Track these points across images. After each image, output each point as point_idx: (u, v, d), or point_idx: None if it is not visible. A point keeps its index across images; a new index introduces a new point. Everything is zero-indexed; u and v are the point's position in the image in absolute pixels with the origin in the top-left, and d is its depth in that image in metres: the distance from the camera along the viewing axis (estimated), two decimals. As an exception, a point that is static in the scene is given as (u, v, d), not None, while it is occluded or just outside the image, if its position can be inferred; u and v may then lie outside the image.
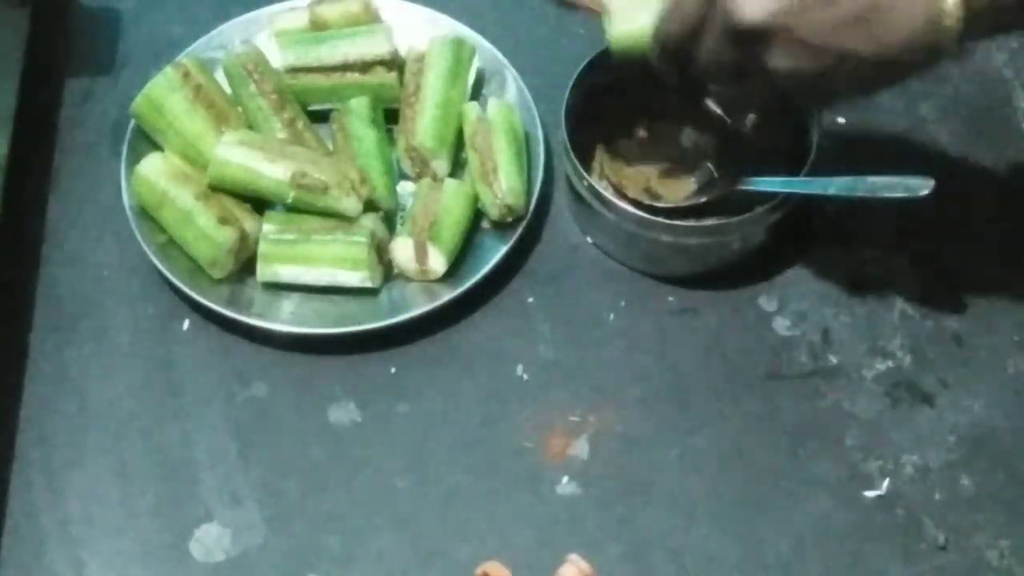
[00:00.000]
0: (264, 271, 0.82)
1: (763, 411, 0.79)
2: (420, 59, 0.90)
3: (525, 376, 0.81)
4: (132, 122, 0.87)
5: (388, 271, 0.84)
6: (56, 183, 0.90)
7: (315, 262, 0.81)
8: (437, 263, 0.82)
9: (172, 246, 0.83)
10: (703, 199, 0.83)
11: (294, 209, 0.84)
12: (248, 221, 0.83)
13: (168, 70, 0.86)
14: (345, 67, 0.89)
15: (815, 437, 0.78)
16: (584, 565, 0.71)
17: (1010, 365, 0.81)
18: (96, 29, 0.98)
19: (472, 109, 0.88)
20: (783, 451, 0.78)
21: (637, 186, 0.85)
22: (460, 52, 0.89)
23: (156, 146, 0.86)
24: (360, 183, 0.83)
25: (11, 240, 0.84)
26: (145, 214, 0.84)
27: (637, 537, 0.75)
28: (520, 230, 0.81)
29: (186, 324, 0.83)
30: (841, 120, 0.93)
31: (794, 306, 0.83)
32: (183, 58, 0.89)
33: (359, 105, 0.88)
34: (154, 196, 0.83)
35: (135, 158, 0.85)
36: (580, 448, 0.78)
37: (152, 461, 0.78)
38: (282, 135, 0.87)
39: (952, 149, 0.91)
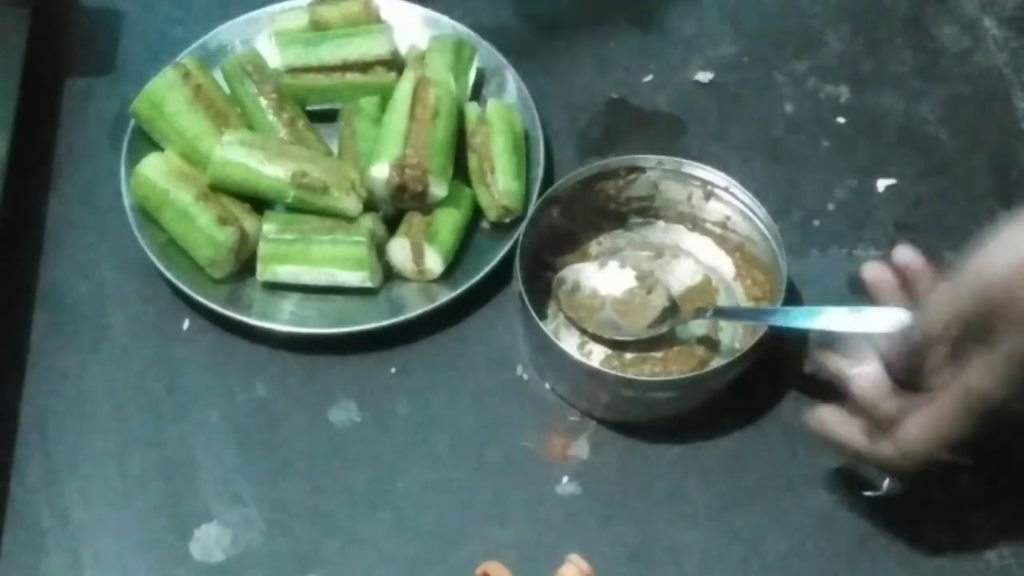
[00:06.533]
0: (264, 271, 0.82)
1: (763, 411, 0.79)
2: (421, 58, 0.89)
3: (525, 376, 0.81)
4: (132, 122, 0.87)
5: (388, 271, 0.84)
6: (56, 183, 0.90)
7: (315, 262, 0.81)
8: (434, 264, 0.82)
9: (172, 246, 0.83)
10: (665, 328, 0.79)
11: (294, 209, 0.83)
12: (248, 221, 0.83)
13: (168, 70, 0.86)
14: (345, 67, 0.89)
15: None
16: (584, 565, 0.71)
17: (1010, 365, 0.81)
18: (96, 29, 0.98)
19: (472, 109, 0.88)
20: (783, 451, 0.78)
21: (592, 314, 0.81)
22: (460, 52, 0.89)
23: (156, 146, 0.86)
24: (360, 183, 0.83)
25: (11, 240, 0.84)
26: (145, 214, 0.84)
27: (637, 537, 0.75)
28: (519, 231, 0.81)
29: (186, 324, 0.83)
30: (841, 120, 0.93)
31: (794, 306, 0.83)
32: (183, 58, 0.88)
33: (368, 104, 0.88)
34: (154, 196, 0.83)
35: (135, 158, 0.85)
36: (580, 448, 0.78)
37: (152, 461, 0.78)
38: (283, 135, 0.87)
39: (952, 149, 0.91)
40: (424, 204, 0.83)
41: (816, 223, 0.87)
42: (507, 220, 0.84)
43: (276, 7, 0.94)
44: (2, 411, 0.79)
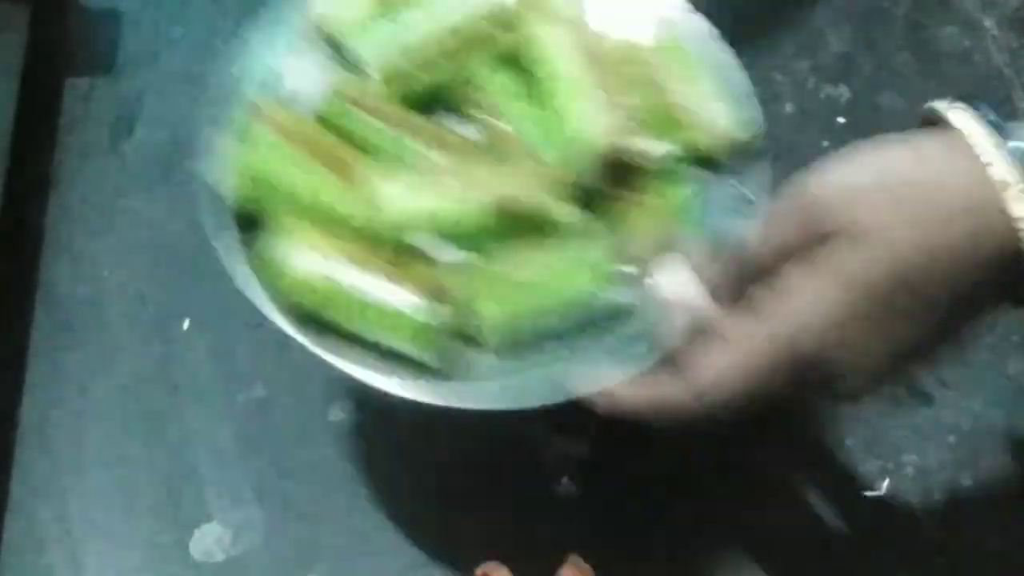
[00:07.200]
0: (497, 334, 0.63)
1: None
2: None
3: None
4: (225, 209, 0.66)
5: None
6: (56, 183, 0.90)
7: (551, 301, 0.63)
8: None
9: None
10: None
11: (489, 242, 0.65)
12: (440, 272, 0.64)
13: (255, 129, 0.66)
14: (455, 43, 0.69)
15: (815, 437, 0.78)
16: (584, 565, 0.71)
17: (1010, 365, 0.81)
18: (96, 29, 0.98)
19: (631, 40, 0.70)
20: (783, 451, 0.78)
21: None
22: None
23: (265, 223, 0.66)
24: (564, 178, 0.65)
25: (11, 240, 0.84)
26: (302, 315, 0.64)
27: (637, 537, 0.75)
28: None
29: (186, 324, 0.83)
30: (841, 120, 0.93)
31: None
32: (251, 105, 0.67)
33: (502, 79, 0.69)
34: (315, 293, 0.63)
35: (251, 243, 0.65)
36: (580, 448, 0.78)
37: (152, 461, 0.78)
38: (433, 155, 0.67)
39: (952, 149, 0.91)
40: (640, 176, 0.66)
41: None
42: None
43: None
44: (2, 411, 0.79)
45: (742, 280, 0.57)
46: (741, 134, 0.67)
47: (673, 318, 0.59)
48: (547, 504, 0.76)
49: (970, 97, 0.94)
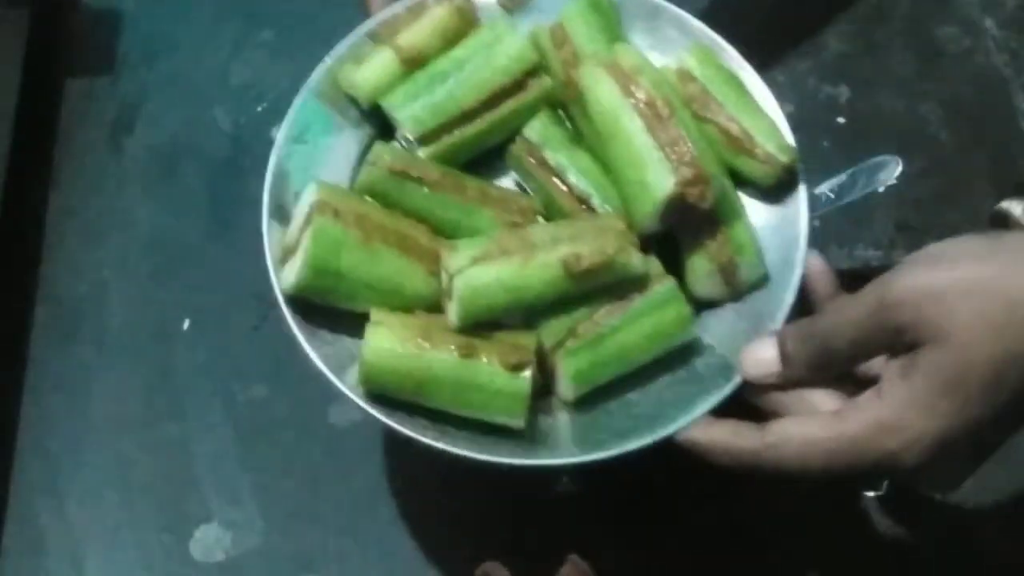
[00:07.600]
0: (580, 388, 0.64)
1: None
2: (562, 40, 0.69)
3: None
4: (286, 311, 0.65)
5: None
6: (56, 183, 0.90)
7: (633, 351, 0.64)
8: (751, 274, 0.67)
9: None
10: None
11: (567, 302, 0.64)
12: (524, 338, 0.64)
13: (316, 219, 0.63)
14: (493, 98, 0.69)
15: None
16: (584, 565, 0.71)
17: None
18: (96, 29, 0.98)
19: (668, 72, 0.69)
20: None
21: None
22: (600, 8, 0.71)
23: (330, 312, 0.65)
24: (630, 227, 0.65)
25: (11, 240, 0.84)
26: (389, 400, 0.63)
27: (637, 537, 0.75)
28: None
29: (186, 324, 0.83)
30: (841, 120, 0.93)
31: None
32: (314, 195, 0.64)
33: (546, 129, 0.69)
34: (403, 381, 0.62)
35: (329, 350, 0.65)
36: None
37: (152, 461, 0.78)
38: (490, 217, 0.67)
39: (952, 149, 0.91)
40: (700, 215, 0.65)
41: (816, 223, 0.87)
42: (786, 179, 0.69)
43: (325, 64, 0.71)
44: (2, 411, 0.79)
45: (822, 356, 0.59)
46: (784, 158, 0.68)
47: (747, 370, 0.62)
48: (547, 504, 0.76)
49: (970, 97, 0.95)
